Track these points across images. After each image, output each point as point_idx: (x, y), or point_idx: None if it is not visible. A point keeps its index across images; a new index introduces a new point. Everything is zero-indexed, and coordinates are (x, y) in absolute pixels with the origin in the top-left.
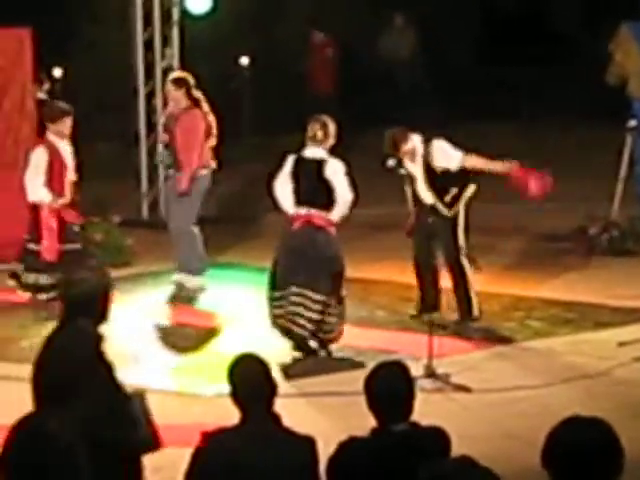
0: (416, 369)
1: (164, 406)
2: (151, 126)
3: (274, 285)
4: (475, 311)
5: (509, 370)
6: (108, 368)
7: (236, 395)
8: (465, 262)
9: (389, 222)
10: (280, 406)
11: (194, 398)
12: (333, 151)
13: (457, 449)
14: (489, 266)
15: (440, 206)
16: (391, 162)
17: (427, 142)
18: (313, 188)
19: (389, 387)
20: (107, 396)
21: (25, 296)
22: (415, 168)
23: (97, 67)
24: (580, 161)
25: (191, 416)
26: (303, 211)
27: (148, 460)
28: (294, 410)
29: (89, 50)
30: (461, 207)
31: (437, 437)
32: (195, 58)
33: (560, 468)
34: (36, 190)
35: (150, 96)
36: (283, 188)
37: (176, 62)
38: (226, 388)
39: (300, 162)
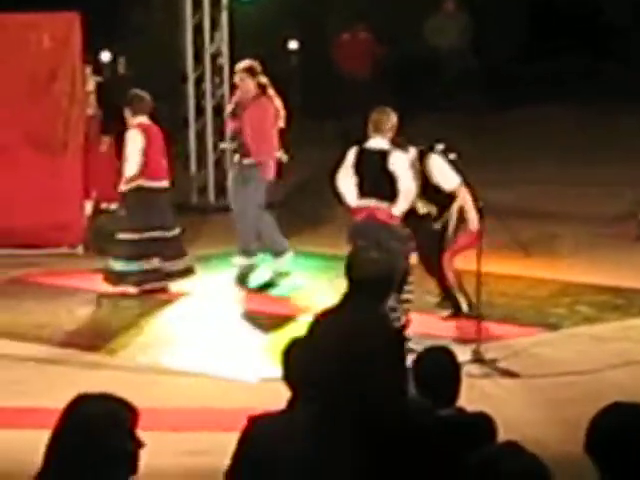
0: (463, 354)
1: (209, 390)
2: (200, 111)
3: None
4: (464, 307)
5: (556, 356)
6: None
7: (287, 378)
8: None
9: None
10: None
11: (242, 383)
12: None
13: (503, 434)
14: (538, 251)
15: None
16: (440, 147)
17: (423, 157)
18: (376, 179)
19: (435, 372)
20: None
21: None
22: None
23: (146, 51)
24: (629, 146)
25: (238, 401)
26: (366, 203)
27: (195, 444)
28: None
29: (138, 34)
30: (451, 220)
31: (483, 422)
32: (244, 42)
33: (603, 455)
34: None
35: (199, 81)
36: (345, 181)
37: (225, 47)
38: (274, 374)
39: (363, 153)
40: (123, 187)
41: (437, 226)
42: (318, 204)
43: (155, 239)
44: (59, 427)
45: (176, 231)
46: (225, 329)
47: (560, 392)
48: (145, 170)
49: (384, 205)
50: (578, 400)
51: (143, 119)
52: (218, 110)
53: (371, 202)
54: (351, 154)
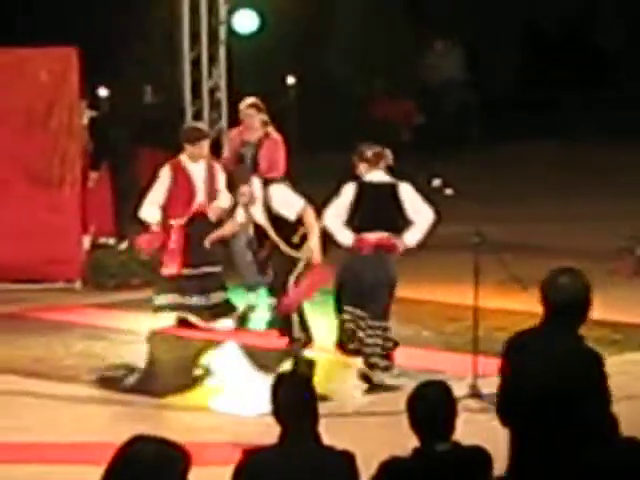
0: (461, 389)
1: (207, 424)
2: None
3: (342, 307)
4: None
5: None
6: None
7: (278, 413)
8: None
9: (434, 242)
10: (321, 426)
11: (235, 417)
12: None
13: (500, 469)
14: (534, 286)
15: (287, 248)
16: (437, 182)
17: (266, 186)
18: (387, 212)
19: (431, 407)
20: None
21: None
22: (256, 212)
23: (144, 85)
24: (621, 180)
25: (232, 435)
26: (373, 236)
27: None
28: (335, 430)
29: (136, 68)
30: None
31: (479, 457)
32: (242, 78)
33: None
34: (142, 207)
35: (197, 115)
36: (336, 220)
37: (223, 81)
38: (266, 408)
39: (366, 188)
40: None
41: (296, 254)
42: None
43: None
44: (112, 466)
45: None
46: (218, 362)
47: None
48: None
49: (392, 236)
50: None
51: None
52: (216, 144)
53: (382, 234)
54: (350, 191)
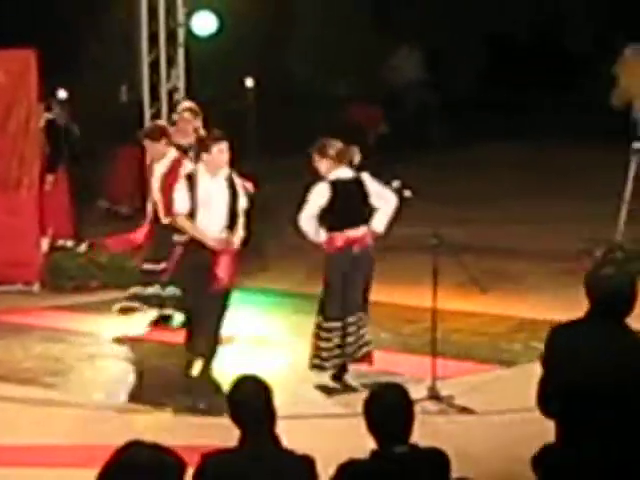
0: (419, 391)
1: (164, 426)
2: None
3: (344, 312)
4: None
5: (513, 392)
6: None
7: (236, 416)
8: None
9: (393, 244)
10: (280, 428)
11: (194, 419)
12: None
13: (458, 471)
14: (493, 288)
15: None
16: (396, 183)
17: None
18: (361, 206)
19: (388, 410)
20: None
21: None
22: None
23: (103, 87)
24: (584, 182)
25: (190, 438)
26: (359, 232)
27: None
28: (294, 432)
29: (95, 70)
30: None
31: (437, 459)
32: (200, 80)
33: None
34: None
35: (155, 117)
36: (311, 221)
37: (182, 83)
38: (226, 409)
39: (338, 186)
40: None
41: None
42: (273, 239)
43: None
44: (106, 471)
45: None
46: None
47: (516, 429)
48: None
49: (368, 229)
50: (533, 437)
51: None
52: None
53: (363, 230)
54: (323, 191)
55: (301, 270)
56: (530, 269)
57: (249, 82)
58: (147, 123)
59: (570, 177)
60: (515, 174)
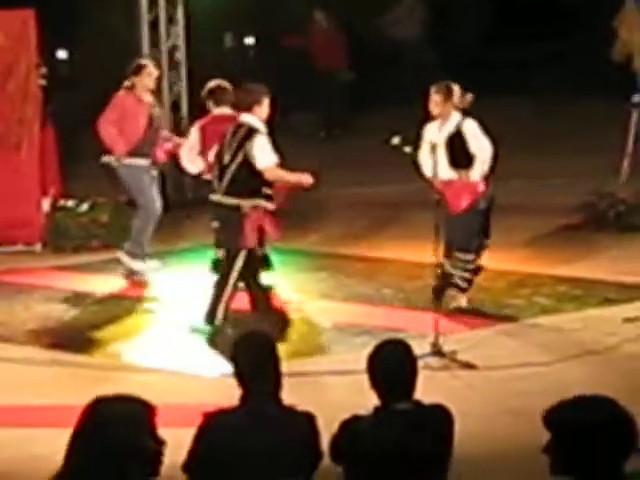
0: (422, 347)
1: (167, 386)
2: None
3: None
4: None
5: (516, 347)
6: None
7: (239, 373)
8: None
9: (397, 200)
10: (284, 384)
11: (197, 379)
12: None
13: (461, 427)
14: (496, 243)
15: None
16: (396, 140)
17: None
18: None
19: (391, 366)
20: None
21: None
22: None
23: (103, 50)
24: (586, 136)
25: (193, 396)
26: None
27: None
28: (297, 389)
29: (95, 33)
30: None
31: (440, 415)
32: (200, 37)
33: (564, 449)
34: None
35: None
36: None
37: (182, 41)
38: (228, 370)
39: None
40: None
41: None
42: None
43: None
44: (78, 429)
45: None
46: (182, 326)
47: (519, 384)
48: None
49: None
50: (537, 392)
51: (227, 110)
52: (175, 105)
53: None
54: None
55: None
56: (532, 223)
57: (249, 40)
58: None
59: (571, 132)
60: (516, 130)
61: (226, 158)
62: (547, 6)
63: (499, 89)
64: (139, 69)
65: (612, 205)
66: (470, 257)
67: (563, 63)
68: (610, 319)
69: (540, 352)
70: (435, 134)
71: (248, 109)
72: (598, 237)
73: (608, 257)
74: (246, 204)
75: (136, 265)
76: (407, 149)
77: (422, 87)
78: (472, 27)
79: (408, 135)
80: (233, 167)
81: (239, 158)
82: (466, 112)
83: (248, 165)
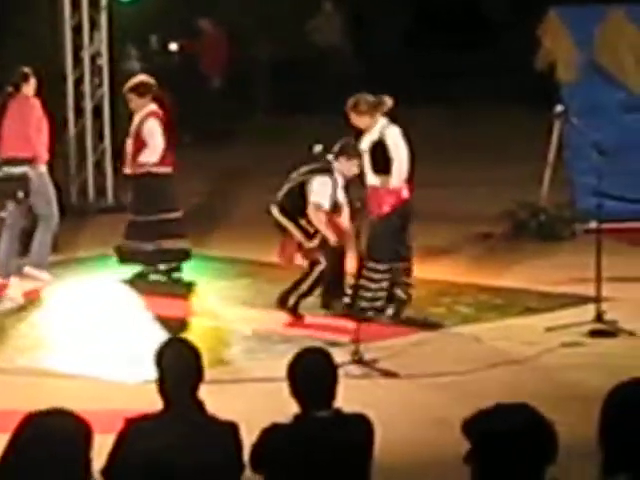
0: (343, 355)
1: (89, 392)
2: (79, 111)
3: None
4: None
5: (437, 356)
6: None
7: (162, 380)
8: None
9: None
10: (205, 392)
11: (119, 385)
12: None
13: (382, 435)
14: (418, 251)
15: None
16: (318, 148)
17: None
18: None
19: (312, 374)
20: None
21: None
22: None
23: (26, 56)
24: (508, 146)
25: (115, 403)
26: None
27: None
28: (219, 396)
29: (18, 39)
30: None
31: (360, 423)
32: (123, 43)
33: (484, 458)
34: None
35: (78, 82)
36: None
37: (104, 47)
38: (152, 375)
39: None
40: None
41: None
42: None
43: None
44: (11, 447)
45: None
46: (105, 331)
47: (440, 392)
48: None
49: None
50: (457, 400)
51: (152, 106)
52: (97, 111)
53: None
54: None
55: None
56: (453, 231)
57: (173, 46)
58: (69, 87)
59: (495, 140)
60: (436, 139)
61: None
62: (470, 15)
63: (420, 100)
64: (26, 77)
65: (533, 214)
66: (381, 267)
67: (486, 73)
68: (531, 328)
69: (461, 361)
70: (364, 142)
71: None
72: (519, 246)
73: (529, 266)
74: None
75: (44, 275)
76: (329, 157)
77: (344, 96)
78: (393, 36)
79: (330, 144)
80: None
81: None
82: (393, 118)
83: None
